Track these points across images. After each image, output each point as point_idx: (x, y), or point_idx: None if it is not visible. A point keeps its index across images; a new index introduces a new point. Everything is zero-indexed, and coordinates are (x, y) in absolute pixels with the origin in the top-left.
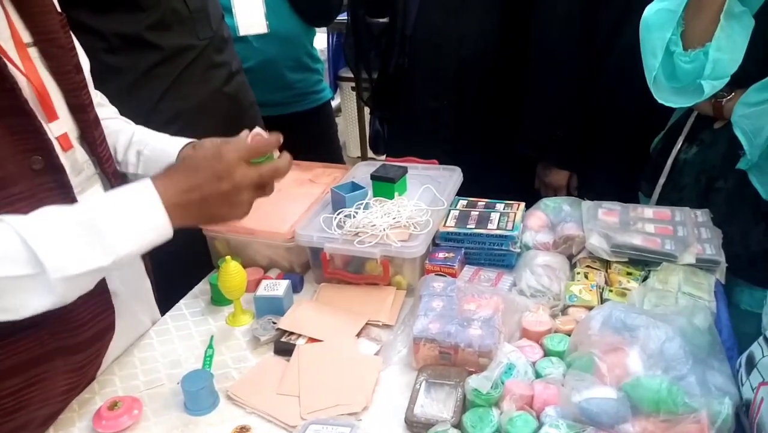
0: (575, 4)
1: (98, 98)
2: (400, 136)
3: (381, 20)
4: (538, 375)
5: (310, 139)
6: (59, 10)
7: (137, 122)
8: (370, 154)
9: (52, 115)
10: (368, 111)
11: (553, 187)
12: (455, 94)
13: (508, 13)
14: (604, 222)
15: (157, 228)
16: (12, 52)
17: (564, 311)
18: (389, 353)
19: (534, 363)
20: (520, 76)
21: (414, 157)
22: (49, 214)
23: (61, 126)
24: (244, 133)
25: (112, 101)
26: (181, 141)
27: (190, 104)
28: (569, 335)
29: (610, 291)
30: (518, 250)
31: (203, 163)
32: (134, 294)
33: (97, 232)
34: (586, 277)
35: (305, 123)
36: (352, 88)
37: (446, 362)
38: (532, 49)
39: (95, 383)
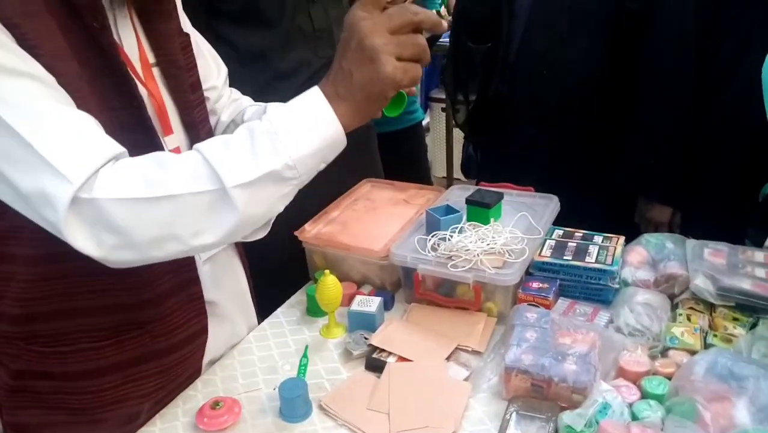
0: (690, 34)
1: (234, 94)
2: (493, 162)
3: (482, 46)
4: (634, 417)
5: (402, 157)
6: (185, 30)
7: None
8: (456, 174)
9: (168, 130)
10: (458, 133)
11: (655, 224)
12: (555, 122)
13: (615, 43)
14: (710, 263)
15: (327, 126)
16: (139, 70)
17: (664, 353)
18: (479, 380)
19: (630, 404)
20: (623, 107)
21: (507, 182)
22: (233, 132)
23: (174, 140)
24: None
25: None
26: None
27: None
28: (669, 379)
29: (715, 336)
30: (617, 285)
31: (343, 48)
32: (233, 303)
33: (264, 134)
34: (688, 319)
35: (398, 142)
36: (442, 110)
37: (538, 395)
38: (641, 80)
39: (198, 382)
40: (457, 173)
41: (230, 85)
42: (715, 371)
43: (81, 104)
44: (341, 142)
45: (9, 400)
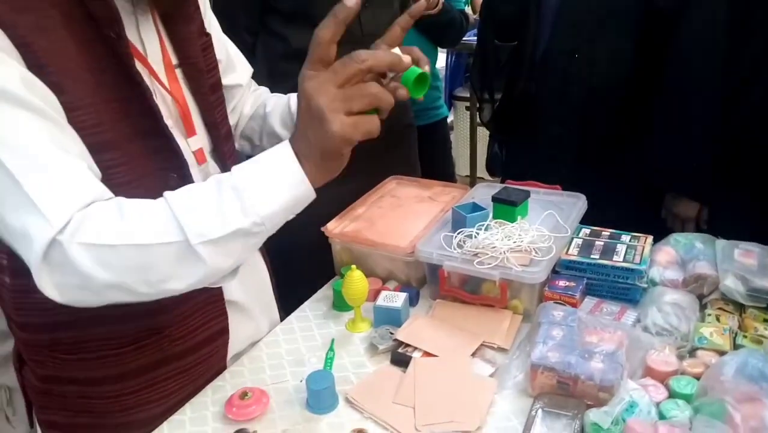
0: (720, 31)
1: (253, 85)
2: (519, 160)
3: (509, 44)
4: (661, 416)
5: (426, 152)
6: (207, 31)
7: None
8: (479, 173)
9: (191, 131)
10: (482, 131)
11: (682, 219)
12: (581, 121)
13: (643, 41)
14: (740, 264)
15: (295, 183)
16: (161, 73)
17: (692, 353)
18: (504, 377)
19: (658, 404)
20: (650, 105)
21: (533, 181)
22: (194, 185)
23: (197, 141)
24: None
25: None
26: None
27: None
28: (697, 379)
29: (744, 337)
30: (645, 285)
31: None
32: (255, 301)
33: (236, 194)
34: (717, 319)
35: (422, 138)
36: (466, 108)
37: (563, 393)
38: (670, 77)
39: (227, 373)
40: (481, 172)
41: (277, 80)
42: (745, 371)
43: (94, 115)
44: (310, 197)
45: (39, 400)
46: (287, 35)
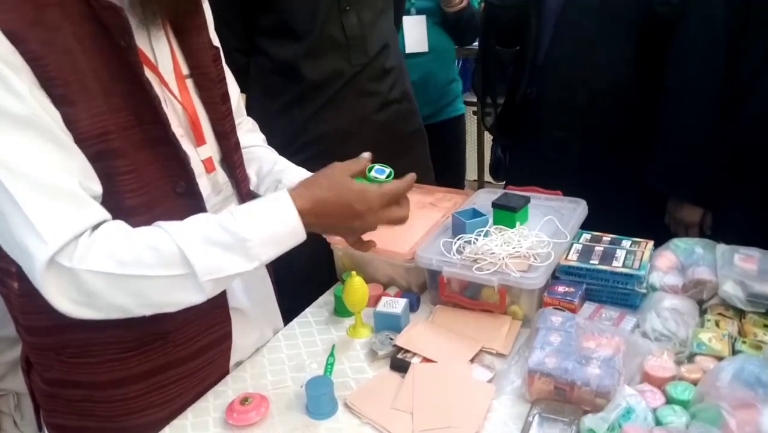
0: (720, 34)
1: (250, 125)
2: (522, 165)
3: (510, 50)
4: (658, 422)
5: (440, 150)
6: (215, 44)
7: (285, 140)
8: (487, 178)
9: (200, 140)
10: (489, 136)
11: (685, 224)
12: (583, 125)
13: (644, 46)
14: (740, 269)
15: (295, 234)
16: (172, 83)
17: (690, 358)
18: (502, 383)
19: (654, 410)
20: (652, 109)
21: (535, 186)
22: (200, 222)
23: (207, 150)
24: (366, 154)
25: (271, 118)
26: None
27: (333, 128)
28: (695, 385)
29: (743, 342)
30: (644, 290)
31: (333, 177)
32: (259, 308)
33: (241, 240)
34: (717, 325)
35: (438, 133)
36: (473, 113)
37: (560, 398)
38: (670, 81)
39: (228, 378)
40: (489, 176)
41: (269, 95)
42: (741, 377)
43: (103, 124)
44: (302, 241)
45: (46, 403)
46: (273, 50)
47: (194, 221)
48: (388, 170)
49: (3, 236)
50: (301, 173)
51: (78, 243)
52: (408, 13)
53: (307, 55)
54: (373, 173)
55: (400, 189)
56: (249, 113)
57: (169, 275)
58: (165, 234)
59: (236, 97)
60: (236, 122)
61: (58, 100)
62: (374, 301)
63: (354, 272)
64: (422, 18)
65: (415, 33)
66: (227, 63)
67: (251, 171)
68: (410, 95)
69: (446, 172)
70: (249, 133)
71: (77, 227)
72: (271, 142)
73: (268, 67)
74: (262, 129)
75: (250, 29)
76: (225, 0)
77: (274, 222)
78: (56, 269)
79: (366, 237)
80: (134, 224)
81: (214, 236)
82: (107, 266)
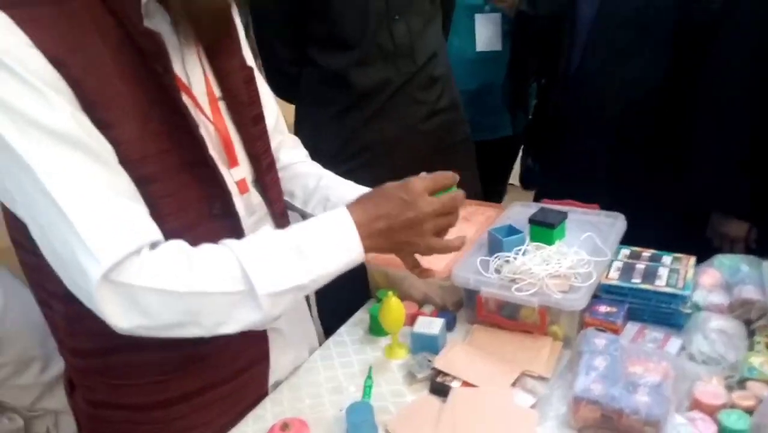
0: (759, 43)
1: (291, 142)
2: (553, 175)
3: (542, 58)
4: None
5: (487, 168)
6: (249, 64)
7: (336, 150)
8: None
9: (233, 162)
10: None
11: (730, 239)
12: (616, 137)
13: (678, 56)
14: None
15: (350, 251)
16: (205, 105)
17: (741, 383)
18: (545, 409)
19: None
20: (687, 120)
21: (566, 197)
22: (262, 238)
23: (240, 172)
24: (423, 174)
25: (322, 127)
26: (364, 189)
27: (381, 137)
28: (748, 412)
29: None
30: (689, 310)
31: (392, 192)
32: (295, 327)
33: (299, 254)
34: (767, 348)
35: (487, 151)
36: None
37: (608, 426)
38: (709, 92)
39: (267, 401)
40: (513, 179)
41: (318, 105)
42: None
43: (141, 148)
44: (360, 261)
45: (89, 424)
46: (323, 61)
47: (255, 237)
48: None
49: (54, 255)
50: (347, 187)
51: (135, 260)
52: (482, 11)
53: (356, 64)
54: None
55: (448, 199)
56: (300, 124)
57: (227, 291)
58: (227, 249)
59: (275, 116)
60: (277, 140)
61: (99, 125)
62: (410, 320)
63: (390, 292)
64: (497, 16)
65: (488, 31)
66: (280, 75)
67: (296, 187)
68: (458, 104)
69: (490, 185)
70: (291, 150)
71: (132, 245)
72: (322, 151)
73: (319, 77)
74: (313, 138)
75: (301, 40)
76: (277, 12)
77: (330, 235)
78: (111, 285)
79: (425, 264)
80: None
81: (272, 249)
82: (167, 282)
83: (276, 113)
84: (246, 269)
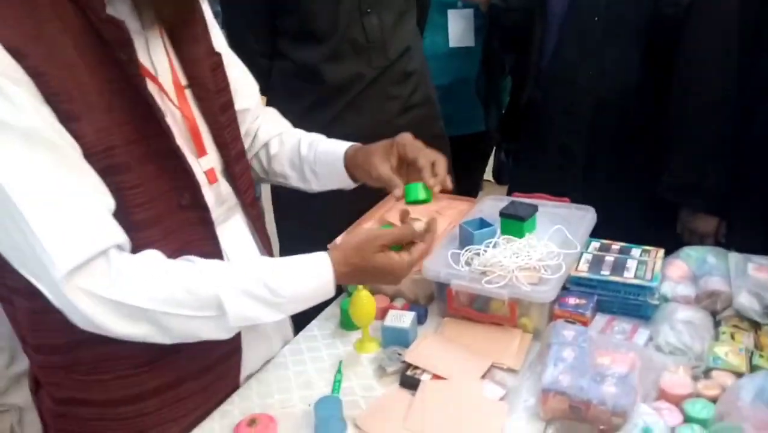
0: (729, 37)
1: (271, 115)
2: (526, 169)
3: (514, 54)
4: None
5: (461, 163)
6: (216, 51)
7: None
8: (486, 175)
9: (201, 151)
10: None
11: (699, 234)
12: (589, 131)
13: (650, 50)
14: (755, 279)
15: (324, 292)
16: (172, 93)
17: (707, 373)
18: (515, 401)
19: (673, 428)
20: (659, 114)
21: (540, 191)
22: (243, 272)
23: (209, 161)
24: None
25: (292, 121)
26: (346, 143)
27: (354, 132)
28: (713, 402)
29: (761, 356)
30: (656, 301)
31: (375, 266)
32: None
33: (278, 297)
34: (732, 338)
35: (461, 147)
36: None
37: (576, 417)
38: (679, 87)
39: (235, 396)
40: (487, 175)
41: (291, 98)
42: (764, 396)
43: (107, 139)
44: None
45: (56, 423)
46: (294, 54)
47: (236, 270)
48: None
49: (19, 252)
50: (328, 142)
51: (101, 265)
52: (455, 6)
53: (328, 58)
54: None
55: (417, 254)
56: None
57: (200, 316)
58: (203, 278)
59: (256, 97)
60: (259, 117)
61: (63, 116)
62: (381, 314)
63: (361, 286)
64: (469, 11)
65: (460, 26)
66: (250, 67)
67: (286, 167)
68: (433, 99)
69: (464, 180)
70: (274, 124)
71: (92, 249)
72: None
73: (290, 70)
74: None
75: (272, 32)
76: (249, 4)
77: (309, 282)
78: (76, 290)
79: None
80: (142, 238)
81: (255, 290)
82: (137, 299)
83: (256, 93)
84: (223, 301)
